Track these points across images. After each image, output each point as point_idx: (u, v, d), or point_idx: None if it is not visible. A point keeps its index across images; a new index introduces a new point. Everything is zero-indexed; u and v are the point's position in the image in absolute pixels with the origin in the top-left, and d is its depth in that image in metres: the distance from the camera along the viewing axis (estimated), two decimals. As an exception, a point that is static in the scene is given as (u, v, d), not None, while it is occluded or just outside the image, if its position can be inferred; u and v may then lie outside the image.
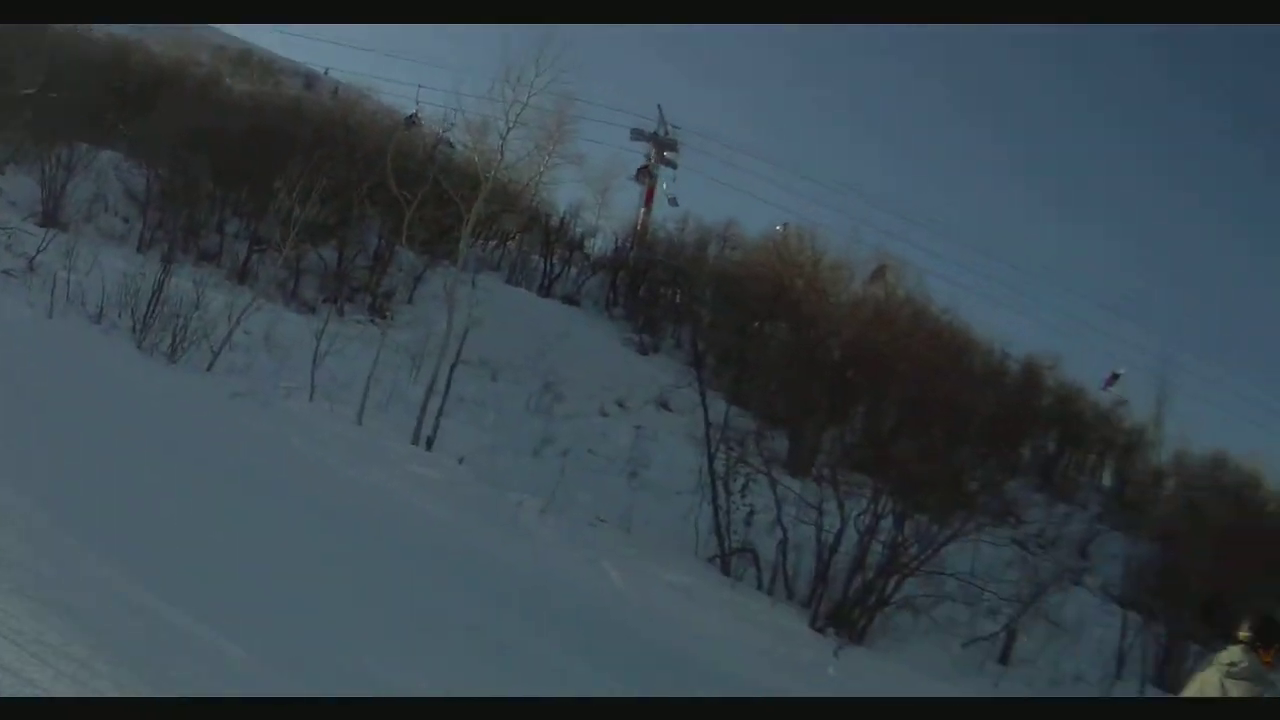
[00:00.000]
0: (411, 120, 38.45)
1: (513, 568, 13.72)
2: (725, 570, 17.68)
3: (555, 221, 39.95)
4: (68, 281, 20.25)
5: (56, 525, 9.18)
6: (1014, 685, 16.77)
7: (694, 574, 16.66)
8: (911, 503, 17.50)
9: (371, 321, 28.34)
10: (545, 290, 37.24)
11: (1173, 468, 32.68)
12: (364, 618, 9.75)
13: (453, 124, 26.07)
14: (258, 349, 21.72)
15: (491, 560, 13.74)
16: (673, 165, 44.40)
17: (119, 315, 19.95)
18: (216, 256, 29.82)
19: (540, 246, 39.45)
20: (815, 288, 34.94)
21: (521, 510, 16.17)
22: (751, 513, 18.26)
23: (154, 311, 19.58)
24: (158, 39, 42.73)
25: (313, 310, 27.48)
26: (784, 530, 17.69)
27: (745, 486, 18.54)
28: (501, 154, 21.60)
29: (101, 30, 37.21)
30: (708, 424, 19.15)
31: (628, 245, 41.69)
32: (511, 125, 20.93)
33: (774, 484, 18.45)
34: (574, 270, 39.42)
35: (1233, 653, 8.21)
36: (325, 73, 53.37)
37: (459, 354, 20.50)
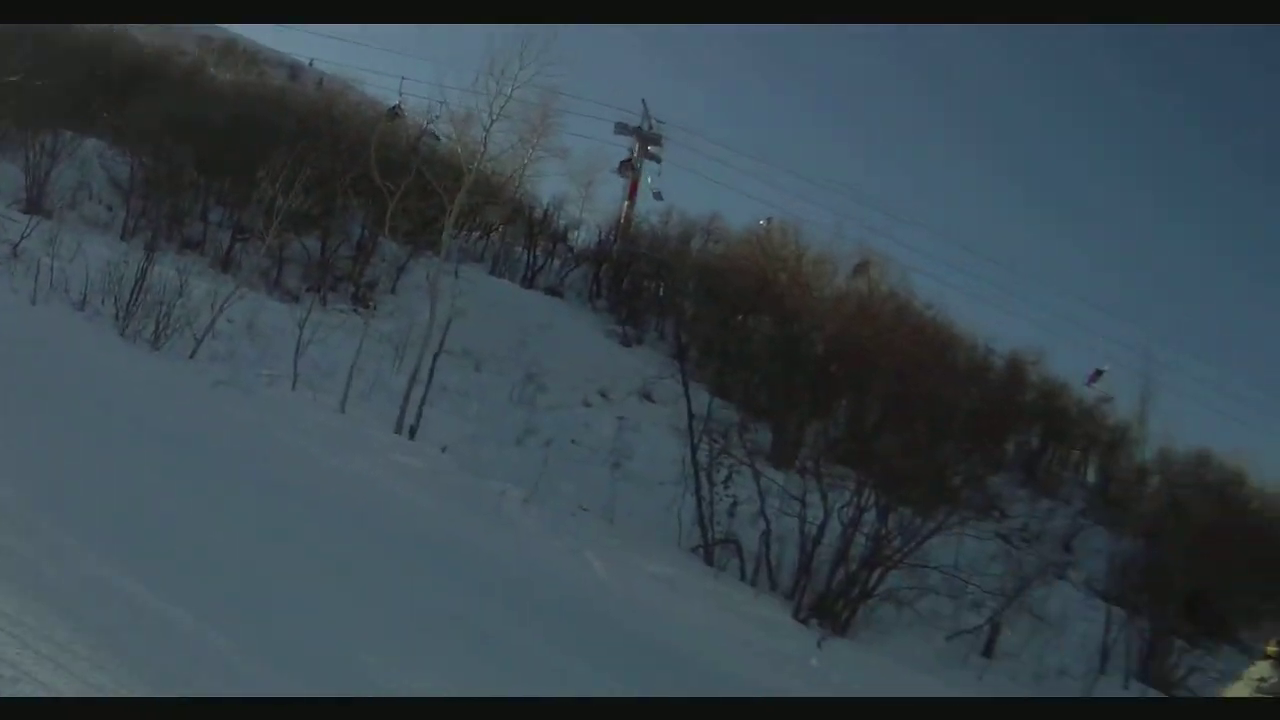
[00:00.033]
0: (395, 111, 38.36)
1: (495, 557, 13.66)
2: (708, 561, 17.64)
3: (539, 214, 40.04)
4: (51, 269, 20.15)
5: (35, 509, 9.10)
6: (998, 678, 16.78)
7: (677, 565, 16.61)
8: (895, 496, 17.48)
9: (354, 311, 28.35)
10: (529, 282, 37.33)
11: (1157, 465, 32.77)
12: (345, 606, 9.69)
13: (437, 115, 25.94)
14: (240, 337, 21.68)
15: (474, 550, 13.69)
16: (657, 159, 44.50)
17: (102, 302, 19.86)
18: (200, 245, 29.83)
19: (524, 238, 39.54)
20: (799, 282, 35.03)
21: (504, 500, 16.10)
22: (735, 504, 18.21)
23: (137, 299, 19.48)
24: (143, 28, 42.58)
25: (296, 299, 27.47)
26: (767, 522, 17.66)
27: (728, 478, 18.50)
28: (485, 146, 21.52)
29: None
30: (691, 415, 19.10)
31: (611, 238, 41.85)
32: (495, 117, 20.85)
33: (757, 475, 18.41)
34: (557, 262, 39.56)
35: (1261, 668, 8.23)
36: (310, 63, 53.46)
37: (442, 344, 20.45)
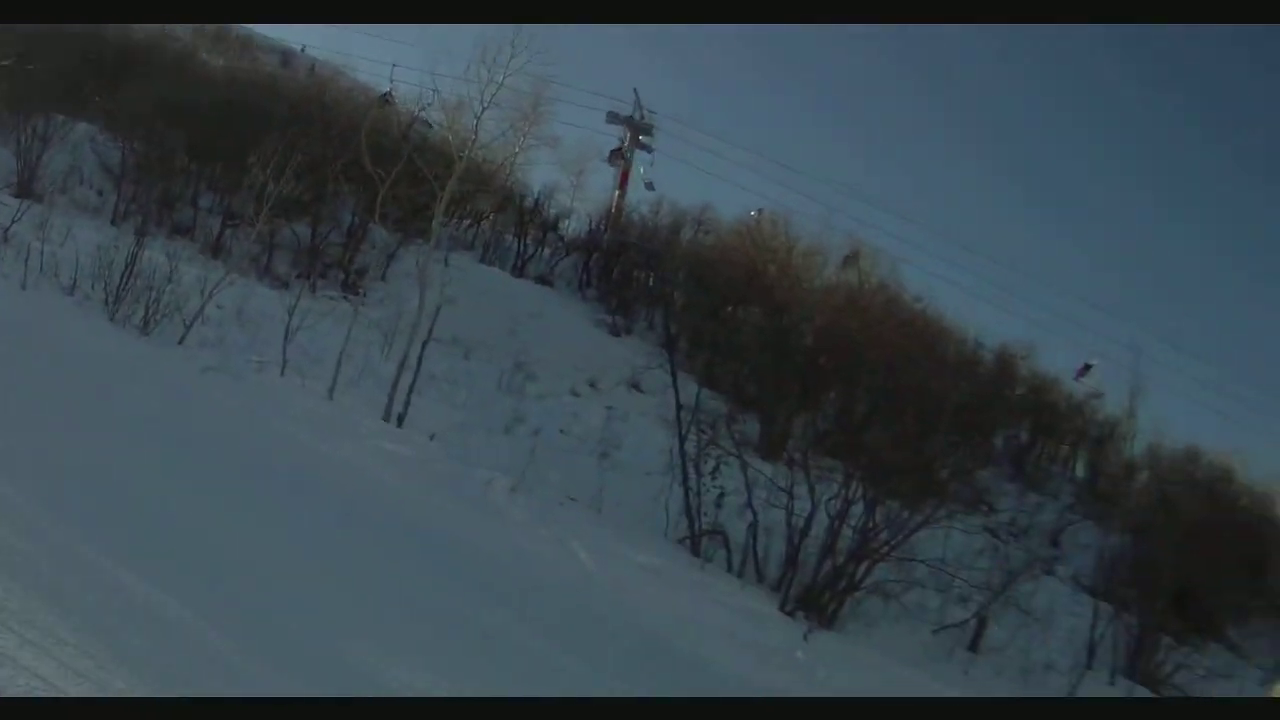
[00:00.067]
0: (386, 98, 38.29)
1: (481, 546, 13.62)
2: (695, 552, 17.64)
3: (529, 202, 40.01)
4: (41, 253, 20.20)
5: (22, 496, 9.08)
6: (983, 673, 16.80)
7: (664, 555, 16.60)
8: (883, 489, 17.48)
9: (344, 298, 28.33)
10: (518, 270, 37.31)
11: (1146, 460, 32.93)
12: (330, 593, 9.67)
13: (428, 103, 25.93)
14: (230, 323, 21.67)
15: (460, 539, 13.66)
16: (648, 149, 44.44)
17: (92, 287, 19.85)
18: (190, 230, 29.80)
19: (514, 227, 39.49)
20: (788, 273, 35.09)
21: (491, 488, 16.07)
22: (722, 495, 18.24)
23: (127, 284, 19.45)
24: (135, 12, 42.46)
25: (285, 285, 27.43)
26: (754, 513, 17.68)
27: (716, 469, 18.53)
28: (476, 134, 21.54)
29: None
30: (679, 406, 19.11)
31: (601, 227, 41.83)
32: (486, 105, 20.82)
33: (745, 467, 18.44)
34: (547, 251, 39.56)
35: None
36: (301, 49, 53.39)
37: (431, 331, 20.42)
